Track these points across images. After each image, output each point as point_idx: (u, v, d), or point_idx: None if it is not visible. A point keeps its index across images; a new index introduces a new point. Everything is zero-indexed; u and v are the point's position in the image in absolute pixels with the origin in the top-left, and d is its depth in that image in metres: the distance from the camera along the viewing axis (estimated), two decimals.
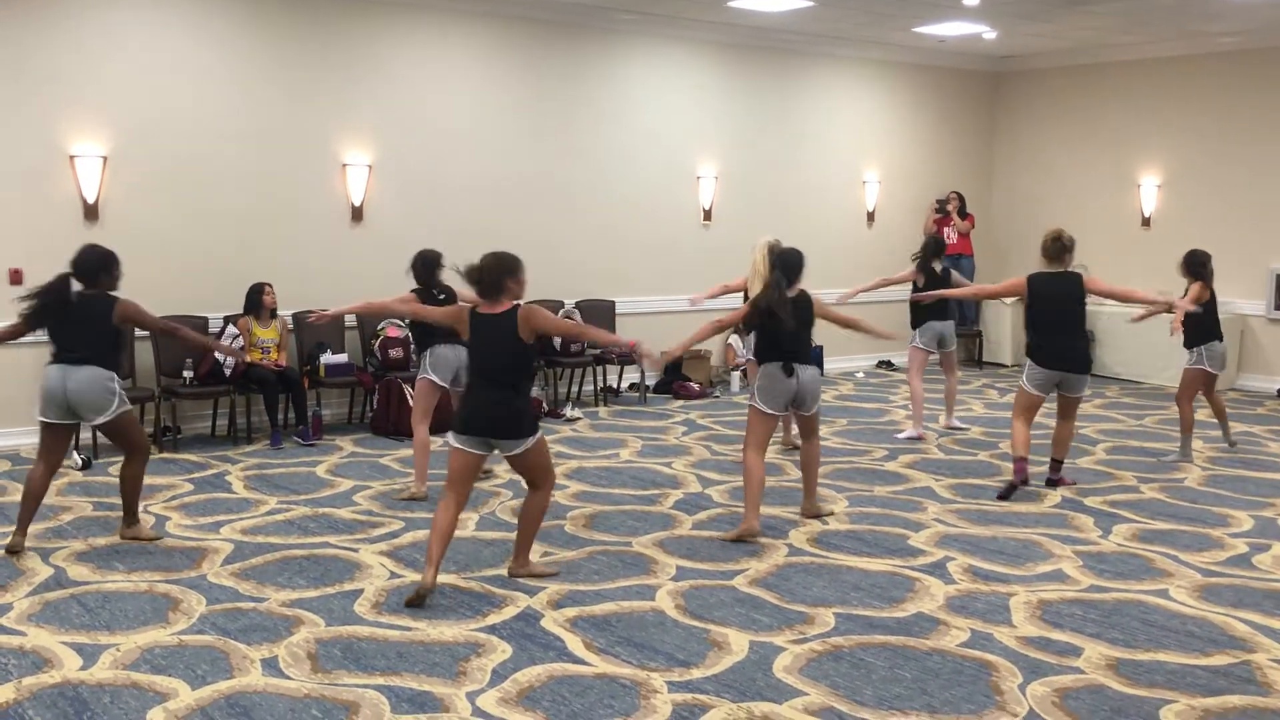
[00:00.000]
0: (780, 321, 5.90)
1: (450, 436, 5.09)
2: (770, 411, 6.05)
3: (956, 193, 12.62)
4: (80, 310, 5.58)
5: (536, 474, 5.17)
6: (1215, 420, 8.50)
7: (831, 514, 6.47)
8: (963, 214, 12.53)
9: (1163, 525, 6.36)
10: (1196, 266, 7.83)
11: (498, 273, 5.02)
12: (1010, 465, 7.00)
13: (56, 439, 5.67)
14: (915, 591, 5.21)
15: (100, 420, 5.57)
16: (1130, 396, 10.80)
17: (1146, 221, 12.03)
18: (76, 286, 5.61)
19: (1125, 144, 12.18)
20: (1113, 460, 7.97)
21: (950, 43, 11.85)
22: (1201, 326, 7.83)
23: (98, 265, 5.63)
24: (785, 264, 6.08)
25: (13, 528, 5.68)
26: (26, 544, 5.64)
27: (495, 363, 5.00)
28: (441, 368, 6.62)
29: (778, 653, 4.46)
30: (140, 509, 6.00)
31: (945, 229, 12.58)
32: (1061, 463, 7.16)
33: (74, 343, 5.54)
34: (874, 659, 4.42)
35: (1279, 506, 6.78)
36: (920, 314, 8.59)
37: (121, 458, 5.88)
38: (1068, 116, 12.68)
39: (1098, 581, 5.38)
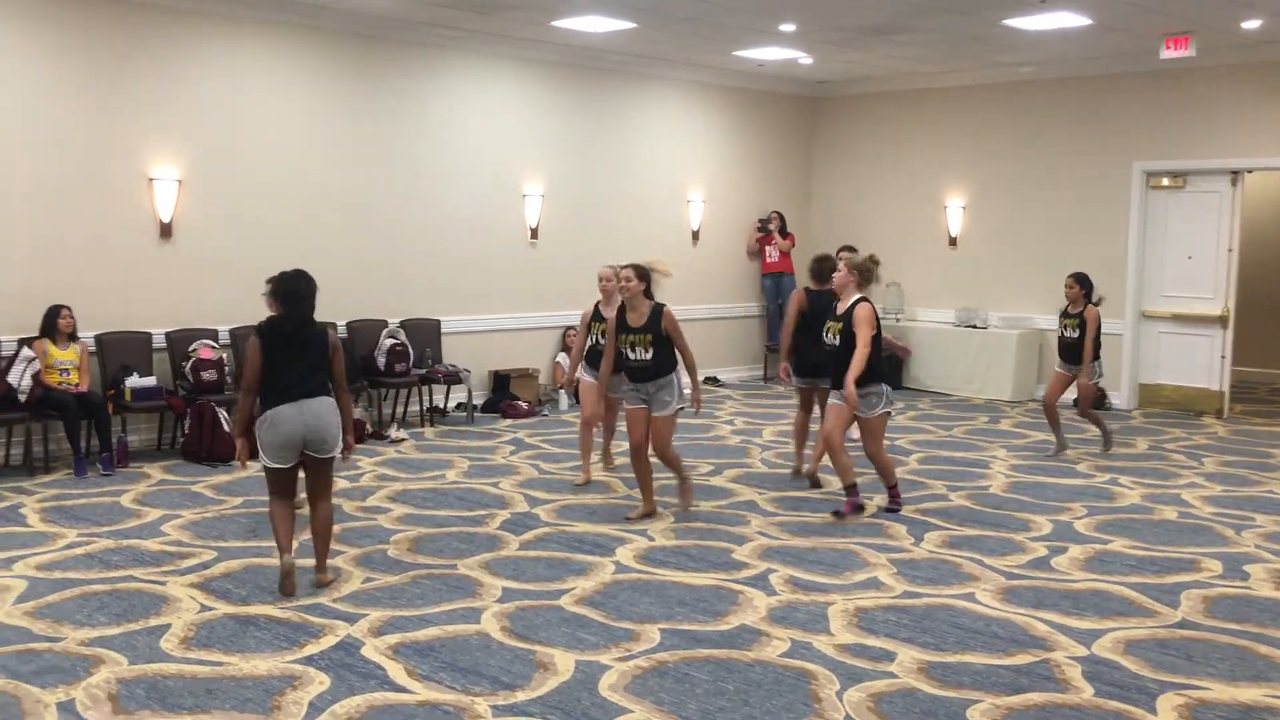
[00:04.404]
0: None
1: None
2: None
3: (777, 212, 12.99)
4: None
5: None
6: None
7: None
8: (784, 233, 12.89)
9: (970, 531, 6.66)
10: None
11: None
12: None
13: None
14: (739, 604, 5.30)
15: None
16: (940, 409, 11.30)
17: (953, 241, 12.64)
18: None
19: (932, 167, 12.77)
20: (924, 470, 8.30)
21: (769, 67, 12.19)
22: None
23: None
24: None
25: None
26: None
27: None
28: None
29: (604, 671, 4.46)
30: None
31: (767, 248, 12.94)
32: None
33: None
34: (698, 673, 4.47)
35: (1075, 510, 7.20)
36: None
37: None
38: (880, 140, 13.21)
39: (910, 587, 5.59)
